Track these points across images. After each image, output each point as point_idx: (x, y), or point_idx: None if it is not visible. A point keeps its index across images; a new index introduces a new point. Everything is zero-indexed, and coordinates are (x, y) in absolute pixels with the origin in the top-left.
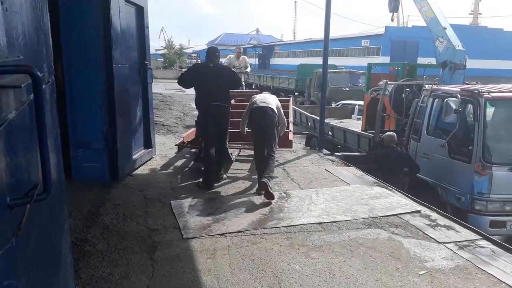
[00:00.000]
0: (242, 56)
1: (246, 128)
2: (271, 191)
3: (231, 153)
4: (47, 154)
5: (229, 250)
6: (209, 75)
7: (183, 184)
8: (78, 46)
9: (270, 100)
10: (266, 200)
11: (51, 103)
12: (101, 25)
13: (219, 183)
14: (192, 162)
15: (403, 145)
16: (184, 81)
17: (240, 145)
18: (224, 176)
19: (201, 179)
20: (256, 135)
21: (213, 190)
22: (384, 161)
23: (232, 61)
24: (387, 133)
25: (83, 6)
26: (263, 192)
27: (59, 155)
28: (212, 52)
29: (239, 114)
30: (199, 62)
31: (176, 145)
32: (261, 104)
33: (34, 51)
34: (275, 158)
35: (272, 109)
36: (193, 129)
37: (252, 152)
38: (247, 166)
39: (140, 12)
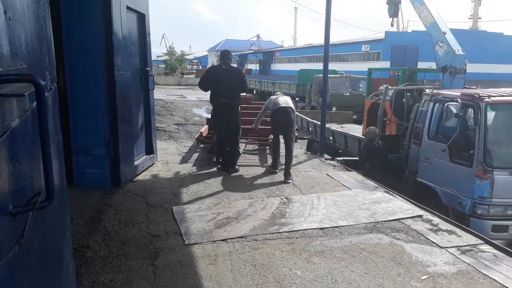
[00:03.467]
0: None
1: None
2: (290, 179)
3: (239, 147)
4: (50, 162)
5: (231, 256)
6: (221, 76)
7: (184, 189)
8: (80, 54)
9: (289, 101)
10: (268, 206)
11: (53, 110)
12: (103, 32)
13: (222, 188)
14: (206, 154)
15: (404, 149)
16: (203, 83)
17: (245, 140)
18: (236, 167)
19: (219, 165)
20: (277, 130)
21: (215, 195)
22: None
23: None
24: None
25: (85, 14)
26: (285, 179)
27: (61, 162)
28: (225, 55)
29: None
30: (214, 64)
31: (195, 139)
32: (284, 105)
33: (37, 59)
34: (293, 148)
35: (292, 109)
36: (207, 126)
37: (256, 147)
38: (252, 162)
39: (142, 19)
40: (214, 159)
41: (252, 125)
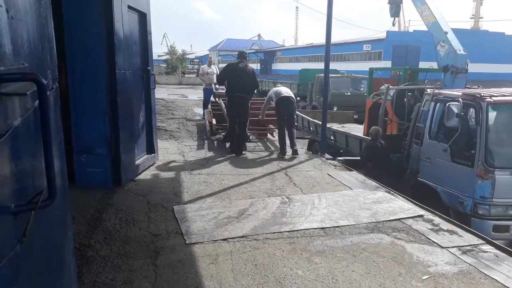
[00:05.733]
0: (212, 65)
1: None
2: (297, 154)
3: (247, 134)
4: (52, 161)
5: (232, 255)
6: (237, 73)
7: (185, 189)
8: (81, 53)
9: (290, 91)
10: (269, 206)
11: (55, 109)
12: (104, 32)
13: (222, 188)
14: (214, 141)
15: (405, 149)
16: (221, 77)
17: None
18: (244, 152)
19: (229, 149)
20: (282, 117)
21: (215, 195)
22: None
23: (204, 70)
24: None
25: (86, 13)
26: (292, 153)
27: (63, 161)
28: (242, 54)
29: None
30: (233, 62)
31: (208, 130)
32: (287, 95)
33: (38, 58)
34: (294, 134)
35: (293, 98)
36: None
37: (254, 137)
38: (253, 149)
39: (143, 19)
40: (227, 146)
41: (259, 117)
